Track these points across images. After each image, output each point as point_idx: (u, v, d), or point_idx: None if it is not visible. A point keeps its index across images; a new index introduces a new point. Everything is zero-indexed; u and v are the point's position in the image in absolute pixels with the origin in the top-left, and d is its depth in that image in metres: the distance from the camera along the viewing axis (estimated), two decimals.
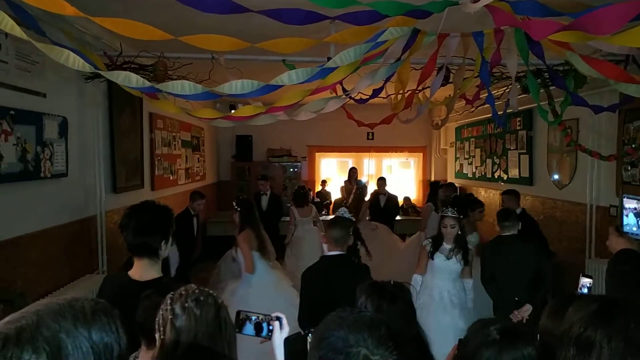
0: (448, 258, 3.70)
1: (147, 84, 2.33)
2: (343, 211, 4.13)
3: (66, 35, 3.33)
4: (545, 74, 3.57)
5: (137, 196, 5.17)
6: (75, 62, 2.25)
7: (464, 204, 5.37)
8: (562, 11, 2.00)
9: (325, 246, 2.99)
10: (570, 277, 4.70)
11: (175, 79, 4.20)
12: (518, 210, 4.73)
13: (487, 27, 2.88)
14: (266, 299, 3.86)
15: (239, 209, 4.15)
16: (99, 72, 2.32)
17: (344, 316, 0.96)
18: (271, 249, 4.31)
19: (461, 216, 3.94)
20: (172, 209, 1.99)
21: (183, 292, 1.38)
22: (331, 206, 9.54)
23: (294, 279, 4.30)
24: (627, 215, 2.08)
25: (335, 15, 1.92)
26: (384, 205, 7.23)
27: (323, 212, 9.03)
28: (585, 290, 2.15)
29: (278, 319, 1.50)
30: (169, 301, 1.37)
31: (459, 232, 3.73)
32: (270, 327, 1.51)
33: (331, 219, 3.37)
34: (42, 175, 3.31)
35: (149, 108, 5.42)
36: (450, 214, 3.74)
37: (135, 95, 3.14)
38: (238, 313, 1.51)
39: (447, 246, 3.72)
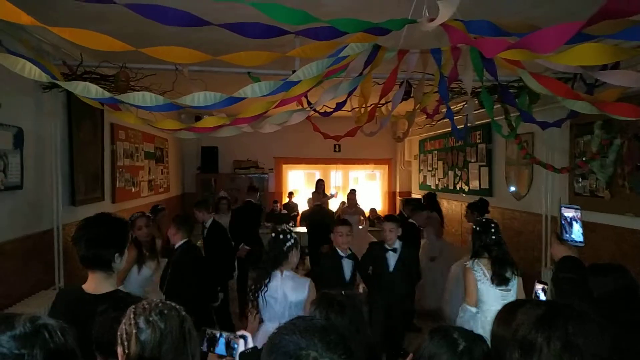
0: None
1: (107, 94, 2.31)
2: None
3: (23, 44, 3.25)
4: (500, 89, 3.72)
5: (97, 209, 5.03)
6: (32, 71, 2.21)
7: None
8: (511, 32, 2.11)
9: None
10: (527, 285, 4.87)
11: (138, 90, 4.17)
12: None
13: (445, 44, 3.00)
14: None
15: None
16: (56, 82, 2.28)
17: (297, 323, 0.98)
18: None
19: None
20: (127, 221, 1.96)
21: (146, 306, 1.38)
22: (298, 218, 9.54)
23: None
24: (565, 223, 2.17)
25: (296, 30, 1.96)
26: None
27: (290, 224, 9.03)
28: (541, 295, 2.23)
29: (243, 337, 1.52)
30: (132, 315, 1.36)
31: None
32: (235, 346, 1.52)
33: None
34: None
35: (110, 119, 5.31)
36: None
37: (95, 106, 3.09)
38: (204, 331, 1.51)
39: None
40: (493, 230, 3.26)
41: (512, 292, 3.21)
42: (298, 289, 2.87)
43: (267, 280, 2.85)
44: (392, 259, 4.16)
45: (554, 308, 1.18)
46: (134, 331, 1.33)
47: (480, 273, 3.18)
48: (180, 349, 1.31)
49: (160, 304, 1.38)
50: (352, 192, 7.54)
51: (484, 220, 3.43)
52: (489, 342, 1.40)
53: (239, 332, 1.50)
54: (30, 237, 3.77)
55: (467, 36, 1.92)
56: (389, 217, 4.62)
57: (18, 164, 3.48)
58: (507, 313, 1.53)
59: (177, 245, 3.88)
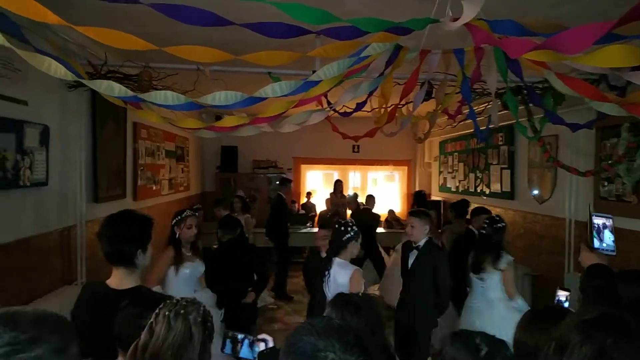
0: None
1: (130, 93, 2.33)
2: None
3: (49, 43, 3.31)
4: (524, 91, 3.65)
5: (119, 206, 5.05)
6: (57, 70, 2.25)
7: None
8: (537, 31, 2.07)
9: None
10: (550, 291, 4.77)
11: (160, 89, 4.22)
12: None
13: (468, 44, 2.96)
14: None
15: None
16: (81, 80, 2.31)
17: (314, 323, 0.98)
18: None
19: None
20: (153, 218, 1.98)
21: (172, 303, 1.42)
22: (316, 218, 9.54)
23: None
24: (596, 230, 2.13)
25: (317, 30, 1.96)
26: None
27: (308, 224, 9.04)
28: (564, 302, 2.18)
29: (264, 340, 1.53)
30: (157, 309, 1.41)
31: None
32: (257, 349, 1.53)
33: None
34: (21, 183, 3.26)
35: (133, 118, 5.39)
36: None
37: (118, 104, 3.13)
38: (226, 333, 1.52)
39: None
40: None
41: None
42: (343, 273, 3.16)
43: (329, 267, 3.19)
44: (412, 257, 3.83)
45: (604, 316, 1.12)
46: (151, 321, 1.38)
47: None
48: (182, 348, 1.32)
49: (184, 304, 1.39)
50: (371, 198, 7.54)
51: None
52: None
53: (260, 336, 1.51)
54: (54, 233, 3.85)
55: (491, 36, 1.88)
56: (412, 212, 4.19)
57: (44, 161, 3.55)
58: (530, 319, 1.50)
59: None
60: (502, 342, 1.31)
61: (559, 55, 1.61)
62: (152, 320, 1.38)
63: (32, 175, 3.40)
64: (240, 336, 1.49)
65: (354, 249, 3.26)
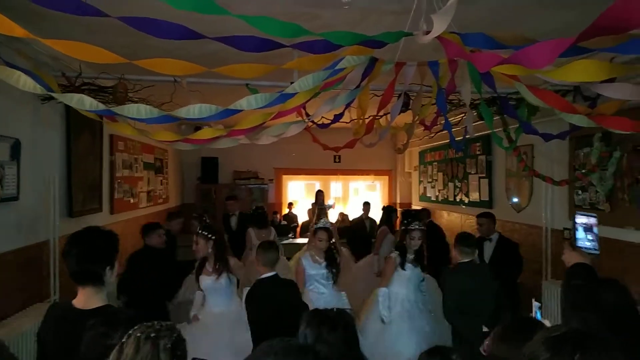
0: (415, 266, 4.05)
1: (102, 107, 2.30)
2: (325, 221, 4.30)
3: (21, 55, 3.25)
4: (499, 101, 3.71)
5: (95, 220, 5.01)
6: (27, 83, 2.20)
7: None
8: (507, 44, 2.10)
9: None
10: (528, 299, 4.82)
11: (137, 101, 4.18)
12: (495, 235, 4.85)
13: (443, 56, 3.00)
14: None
15: (212, 237, 3.85)
16: (52, 94, 2.27)
17: (273, 344, 0.96)
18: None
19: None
20: (117, 234, 1.94)
21: (146, 325, 1.39)
22: (298, 229, 9.50)
23: None
24: (578, 230, 2.16)
25: (290, 43, 1.96)
26: (369, 230, 7.35)
27: (290, 235, 8.98)
28: (537, 313, 2.19)
29: None
30: (132, 330, 1.38)
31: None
32: None
33: (261, 243, 3.54)
34: None
35: (109, 130, 5.31)
36: (417, 226, 4.10)
37: (93, 117, 3.08)
38: None
39: (410, 256, 4.06)
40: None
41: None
42: None
43: None
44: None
45: (571, 333, 1.12)
46: (122, 341, 1.35)
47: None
48: None
49: (157, 327, 1.36)
50: (367, 205, 7.64)
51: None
52: None
53: None
54: (26, 249, 3.75)
55: (462, 50, 1.91)
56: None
57: (15, 175, 3.46)
58: (507, 330, 1.50)
59: None
60: (480, 358, 1.31)
61: (527, 69, 1.64)
62: (124, 340, 1.35)
63: (3, 190, 3.31)
64: None
65: None
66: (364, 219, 7.66)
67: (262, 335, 2.70)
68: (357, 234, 7.34)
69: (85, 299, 1.78)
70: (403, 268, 4.02)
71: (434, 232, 6.09)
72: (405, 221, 4.23)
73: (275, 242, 3.87)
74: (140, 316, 1.52)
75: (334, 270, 4.08)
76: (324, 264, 4.08)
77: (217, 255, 3.82)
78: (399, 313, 3.96)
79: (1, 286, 3.37)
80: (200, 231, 3.90)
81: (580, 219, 2.19)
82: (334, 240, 4.36)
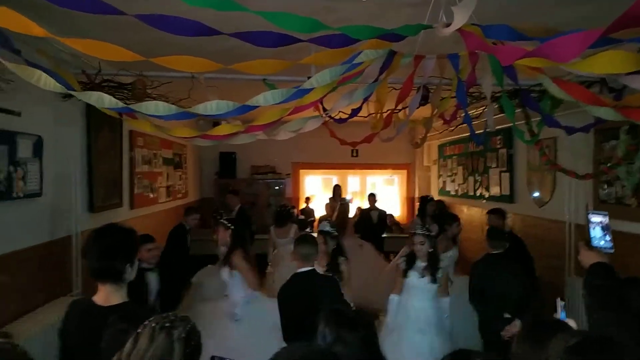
0: (422, 276, 3.67)
1: (120, 104, 2.31)
2: (324, 224, 4.18)
3: (41, 54, 3.29)
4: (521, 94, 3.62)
5: (116, 215, 5.09)
6: (47, 82, 2.22)
7: (440, 218, 5.45)
8: (531, 36, 2.04)
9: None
10: (550, 296, 4.72)
11: (155, 97, 4.21)
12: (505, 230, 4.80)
13: (463, 48, 2.93)
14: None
15: (231, 226, 3.98)
16: (71, 92, 2.29)
17: (294, 350, 0.94)
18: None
19: (436, 233, 4.03)
20: (137, 231, 1.95)
21: (161, 316, 1.40)
22: (315, 223, 9.50)
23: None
24: (593, 229, 2.11)
25: (307, 38, 1.93)
26: (377, 222, 7.29)
27: (307, 230, 8.99)
28: (562, 313, 2.13)
29: None
30: (147, 321, 1.39)
31: (431, 250, 3.71)
32: None
33: (298, 236, 3.47)
34: (14, 195, 3.23)
35: (129, 126, 5.36)
36: (419, 231, 3.73)
37: (112, 115, 3.11)
38: (212, 358, 1.46)
39: (420, 264, 3.72)
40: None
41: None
42: None
43: None
44: None
45: (589, 339, 1.09)
46: (137, 332, 1.37)
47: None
48: None
49: (173, 318, 1.37)
50: (372, 196, 7.48)
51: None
52: None
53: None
54: (49, 244, 3.82)
55: (483, 42, 1.86)
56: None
57: (37, 171, 3.52)
58: (528, 332, 1.47)
59: None
60: None
61: (553, 62, 1.59)
62: (139, 330, 1.36)
63: (26, 186, 3.37)
64: None
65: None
66: (371, 210, 7.60)
67: (294, 332, 2.70)
68: (364, 225, 7.26)
69: (106, 295, 1.79)
70: (405, 276, 3.71)
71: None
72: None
73: (312, 235, 3.78)
74: (159, 312, 1.53)
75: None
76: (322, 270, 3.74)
77: (230, 247, 3.91)
78: (402, 322, 3.66)
79: (25, 281, 3.44)
80: (220, 219, 4.05)
81: (595, 218, 2.14)
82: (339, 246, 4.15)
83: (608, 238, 2.09)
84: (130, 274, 1.84)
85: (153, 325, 1.35)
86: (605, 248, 2.09)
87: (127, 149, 5.52)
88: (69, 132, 4.14)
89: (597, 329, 1.76)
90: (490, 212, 5.20)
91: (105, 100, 2.24)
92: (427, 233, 3.74)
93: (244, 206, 7.24)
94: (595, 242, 2.11)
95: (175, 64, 2.09)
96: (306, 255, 3.06)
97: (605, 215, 2.12)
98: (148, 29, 1.91)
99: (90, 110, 4.36)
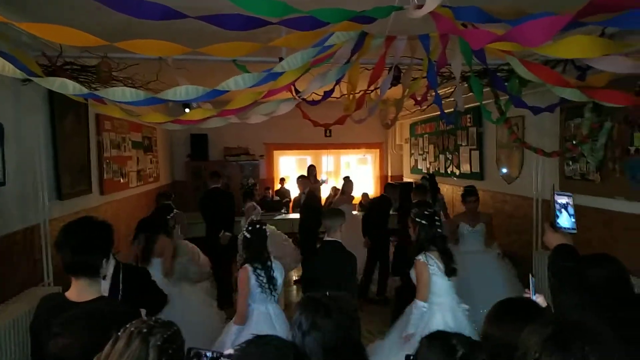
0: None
1: (85, 90, 2.23)
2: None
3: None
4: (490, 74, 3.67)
5: (85, 201, 4.97)
6: (6, 68, 2.13)
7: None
8: (501, 18, 2.05)
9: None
10: (520, 270, 4.90)
11: (121, 80, 4.07)
12: None
13: (434, 29, 2.93)
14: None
15: None
16: (33, 79, 2.20)
17: (250, 352, 0.95)
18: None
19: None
20: (111, 224, 1.90)
21: (141, 320, 1.40)
22: (290, 204, 9.51)
23: None
24: (559, 211, 2.17)
25: (277, 20, 1.89)
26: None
27: (282, 210, 9.00)
28: (532, 290, 2.19)
29: (230, 356, 1.44)
30: (128, 324, 1.38)
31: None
32: None
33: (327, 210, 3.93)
34: None
35: (95, 110, 5.20)
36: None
37: (79, 100, 3.00)
38: (189, 351, 1.44)
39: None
40: (438, 223, 3.36)
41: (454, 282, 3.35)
42: (281, 272, 3.44)
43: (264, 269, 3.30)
44: None
45: (565, 327, 1.11)
46: (117, 334, 1.35)
47: (435, 267, 3.23)
48: None
49: (151, 324, 1.35)
50: (349, 182, 7.36)
51: (427, 212, 3.41)
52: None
53: (227, 351, 1.43)
54: (16, 234, 3.71)
55: (454, 25, 1.86)
56: None
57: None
58: (501, 312, 1.51)
59: None
60: (478, 343, 1.31)
61: (522, 47, 1.61)
62: (119, 333, 1.34)
63: None
64: (208, 353, 1.42)
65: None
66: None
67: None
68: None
69: (79, 290, 1.75)
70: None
71: None
72: (426, 211, 3.48)
73: (340, 210, 4.04)
74: (131, 313, 1.51)
75: None
76: None
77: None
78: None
79: None
80: None
81: (561, 199, 2.19)
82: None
83: (572, 220, 2.15)
84: (106, 268, 1.80)
85: (132, 329, 1.33)
86: (569, 229, 2.14)
87: (94, 133, 5.36)
88: (32, 118, 3.98)
89: (561, 311, 1.82)
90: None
91: (69, 87, 2.17)
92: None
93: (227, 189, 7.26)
94: (559, 224, 2.17)
95: (140, 48, 2.02)
96: (330, 227, 3.46)
97: (570, 196, 2.17)
98: (109, 10, 1.84)
99: (53, 94, 4.20)
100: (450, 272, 3.24)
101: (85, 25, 2.04)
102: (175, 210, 5.25)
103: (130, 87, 3.14)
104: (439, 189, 6.54)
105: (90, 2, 1.76)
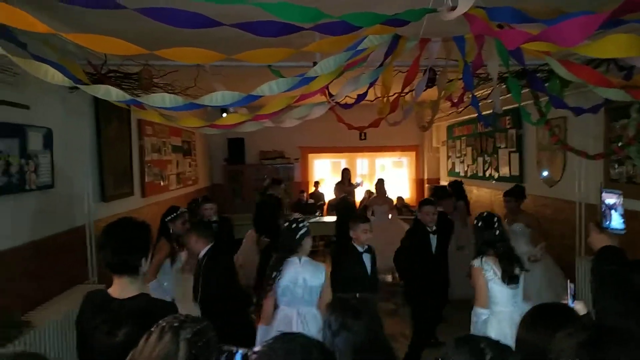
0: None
1: (128, 97, 2.32)
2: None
3: (48, 46, 3.31)
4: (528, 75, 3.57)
5: (128, 204, 5.16)
6: (55, 76, 2.24)
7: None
8: (536, 17, 2.01)
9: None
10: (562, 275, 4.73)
11: (162, 86, 4.22)
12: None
13: (469, 30, 2.89)
14: None
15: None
16: (79, 86, 2.31)
17: (276, 348, 0.97)
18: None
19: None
20: (150, 224, 1.98)
21: (173, 316, 1.44)
22: (325, 207, 9.54)
23: None
24: (606, 211, 2.03)
25: (310, 26, 1.92)
26: None
27: (317, 214, 9.04)
28: (570, 297, 2.10)
29: (256, 352, 1.46)
30: (161, 320, 1.42)
31: None
32: None
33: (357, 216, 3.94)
34: (27, 187, 3.29)
35: (137, 115, 5.40)
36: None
37: (121, 106, 3.13)
38: (220, 348, 1.47)
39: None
40: (496, 224, 3.13)
41: (519, 289, 3.07)
42: (316, 274, 3.09)
43: (280, 268, 3.06)
44: (433, 241, 4.31)
45: (599, 333, 1.08)
46: (151, 330, 1.39)
47: (491, 272, 3.01)
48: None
49: (182, 319, 1.40)
50: (381, 182, 7.33)
51: (485, 214, 3.25)
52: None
53: (257, 348, 1.46)
54: (64, 234, 3.90)
55: (488, 26, 1.83)
56: (426, 201, 4.59)
57: (48, 163, 3.58)
58: (536, 317, 1.48)
59: (202, 253, 3.58)
60: (507, 348, 1.28)
61: (558, 47, 1.57)
62: (152, 329, 1.40)
63: (38, 178, 3.43)
64: (234, 349, 1.45)
65: (308, 245, 3.19)
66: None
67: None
68: None
69: (121, 288, 1.83)
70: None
71: None
72: (484, 212, 3.32)
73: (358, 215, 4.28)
74: (170, 309, 1.56)
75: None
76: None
77: None
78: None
79: (42, 270, 3.52)
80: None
81: (609, 198, 2.06)
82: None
83: (620, 219, 2.03)
84: (145, 266, 1.88)
85: (163, 325, 1.38)
86: (616, 229, 2.02)
87: (137, 137, 5.57)
88: (78, 123, 4.18)
89: (602, 317, 1.73)
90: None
91: (112, 94, 2.26)
92: None
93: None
94: (606, 224, 2.05)
95: (178, 56, 2.10)
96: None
97: (619, 194, 2.04)
98: (148, 19, 1.92)
99: (99, 101, 4.39)
100: (507, 278, 2.96)
101: (126, 34, 2.14)
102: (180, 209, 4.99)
103: (170, 93, 3.26)
104: (465, 196, 6.45)
105: (130, 11, 1.86)
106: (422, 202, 4.59)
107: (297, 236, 3.12)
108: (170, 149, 6.80)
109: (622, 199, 2.02)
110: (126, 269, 1.83)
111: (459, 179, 7.35)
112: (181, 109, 2.48)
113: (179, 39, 2.44)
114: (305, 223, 3.21)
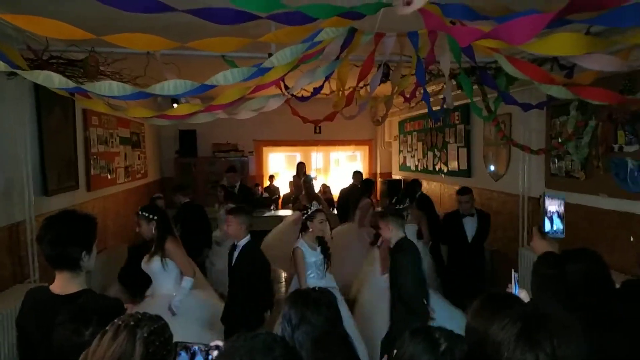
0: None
1: (71, 84, 2.21)
2: (316, 206, 4.17)
3: None
4: (478, 71, 3.70)
5: (72, 198, 4.92)
6: None
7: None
8: (488, 15, 2.07)
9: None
10: (505, 266, 4.96)
11: (109, 74, 4.03)
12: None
13: (423, 25, 2.95)
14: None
15: (155, 217, 3.66)
16: (17, 71, 2.17)
17: (238, 345, 0.96)
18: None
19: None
20: (96, 217, 1.89)
21: (129, 314, 1.40)
22: (279, 201, 9.50)
23: None
24: (548, 216, 2.13)
25: (266, 15, 1.89)
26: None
27: (272, 208, 8.99)
28: (515, 285, 2.21)
29: (218, 347, 1.44)
30: (116, 319, 1.38)
31: None
32: (210, 358, 1.45)
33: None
34: None
35: (82, 104, 5.14)
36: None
37: (63, 95, 2.97)
38: (175, 344, 1.43)
39: None
40: None
41: None
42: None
43: None
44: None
45: (532, 321, 1.14)
46: (106, 328, 1.34)
47: None
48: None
49: (138, 317, 1.36)
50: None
51: None
52: None
53: (214, 343, 1.43)
54: (1, 230, 3.66)
55: (442, 22, 1.88)
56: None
57: None
58: (481, 307, 1.53)
59: (242, 243, 3.53)
60: (460, 337, 1.33)
61: (507, 44, 1.63)
62: (107, 327, 1.34)
63: None
64: (192, 346, 1.42)
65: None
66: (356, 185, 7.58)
67: None
68: (350, 201, 7.19)
69: (63, 283, 1.75)
70: None
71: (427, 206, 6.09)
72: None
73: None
74: (118, 306, 1.51)
75: (327, 254, 3.86)
76: (318, 249, 3.85)
77: (157, 237, 3.64)
78: None
79: None
80: (140, 212, 3.72)
81: (551, 205, 2.15)
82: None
83: (561, 224, 2.13)
84: (89, 261, 1.80)
85: (119, 323, 1.33)
86: (557, 233, 2.14)
87: (82, 128, 5.31)
88: (17, 113, 3.92)
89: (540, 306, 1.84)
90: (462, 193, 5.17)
91: (54, 80, 2.14)
92: None
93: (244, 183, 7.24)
94: (547, 229, 2.16)
95: (128, 42, 2.01)
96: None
97: (562, 200, 2.14)
98: (95, 3, 1.82)
99: (39, 89, 4.15)
100: None
101: (71, 18, 2.03)
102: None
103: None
104: (370, 192, 6.86)
105: None
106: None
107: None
108: (118, 141, 6.53)
109: (564, 204, 2.13)
110: (65, 262, 1.75)
111: (366, 179, 7.58)
112: (130, 98, 2.39)
113: (128, 26, 2.34)
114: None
